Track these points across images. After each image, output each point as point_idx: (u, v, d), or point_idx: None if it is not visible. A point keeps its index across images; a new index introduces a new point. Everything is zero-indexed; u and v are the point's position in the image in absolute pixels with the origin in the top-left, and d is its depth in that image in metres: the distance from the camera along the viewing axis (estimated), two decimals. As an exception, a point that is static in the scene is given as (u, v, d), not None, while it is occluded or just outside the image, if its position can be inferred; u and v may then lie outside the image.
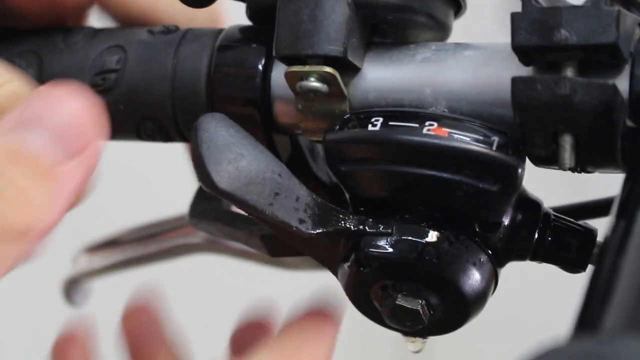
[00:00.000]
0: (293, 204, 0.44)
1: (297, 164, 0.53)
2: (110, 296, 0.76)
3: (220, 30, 0.50)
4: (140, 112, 0.50)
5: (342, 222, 0.45)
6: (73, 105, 0.44)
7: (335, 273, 0.48)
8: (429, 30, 0.48)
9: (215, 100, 0.48)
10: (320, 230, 0.45)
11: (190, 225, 0.55)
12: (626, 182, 0.37)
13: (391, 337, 0.50)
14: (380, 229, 0.45)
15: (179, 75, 0.49)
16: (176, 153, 0.59)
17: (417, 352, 0.49)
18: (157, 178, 0.59)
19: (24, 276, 0.61)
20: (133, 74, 0.50)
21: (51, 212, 0.43)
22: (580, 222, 0.47)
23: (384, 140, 0.43)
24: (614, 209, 0.35)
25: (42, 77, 0.51)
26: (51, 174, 0.43)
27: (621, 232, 0.32)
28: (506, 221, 0.45)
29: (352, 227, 0.45)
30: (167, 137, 0.51)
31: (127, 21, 0.54)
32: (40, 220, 0.43)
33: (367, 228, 0.45)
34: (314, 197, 0.45)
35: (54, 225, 0.44)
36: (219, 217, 0.52)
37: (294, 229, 0.44)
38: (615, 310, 0.29)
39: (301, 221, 0.44)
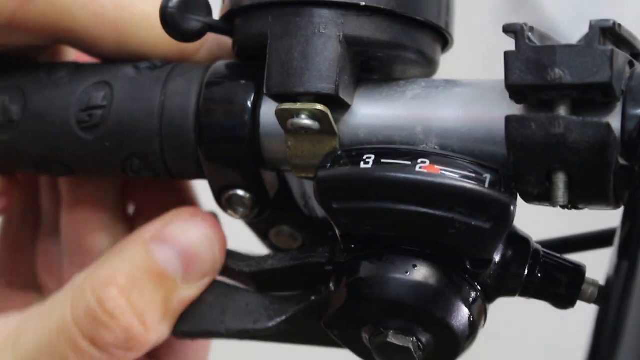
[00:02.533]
0: (243, 311, 0.50)
1: (283, 200, 0.52)
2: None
3: (208, 66, 0.50)
4: (126, 149, 0.49)
5: (304, 297, 0.49)
6: (205, 235, 0.49)
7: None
8: (418, 67, 0.48)
9: (204, 137, 0.48)
10: (278, 320, 0.49)
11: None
12: (625, 220, 0.37)
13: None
14: (370, 267, 0.45)
15: (167, 112, 0.49)
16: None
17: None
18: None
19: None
20: (120, 110, 0.49)
21: (158, 333, 0.49)
22: (568, 258, 0.47)
23: (376, 177, 0.43)
24: (615, 247, 0.35)
25: (26, 112, 0.51)
26: (170, 297, 0.49)
27: (625, 273, 0.32)
28: (497, 258, 0.45)
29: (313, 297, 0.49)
30: (154, 174, 0.50)
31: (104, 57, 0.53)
32: (147, 338, 0.48)
33: (355, 266, 0.45)
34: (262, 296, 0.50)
35: (153, 345, 0.49)
36: None
37: (251, 331, 0.50)
38: (626, 353, 0.29)
39: (255, 321, 0.50)
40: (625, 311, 0.30)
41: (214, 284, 0.50)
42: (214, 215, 0.51)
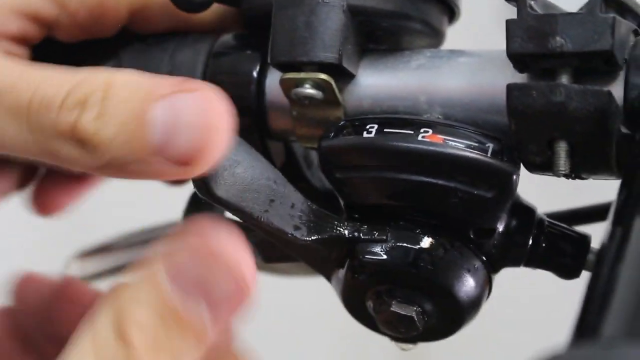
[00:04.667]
0: (288, 210, 0.44)
1: (291, 171, 0.53)
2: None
3: (216, 37, 0.50)
4: None
5: (337, 230, 0.45)
6: (236, 280, 0.42)
7: (329, 279, 0.48)
8: (424, 37, 0.48)
9: None
10: (315, 237, 0.45)
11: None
12: (622, 188, 0.37)
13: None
14: (375, 235, 0.45)
15: None
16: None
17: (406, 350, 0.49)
18: (149, 184, 0.59)
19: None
20: None
21: None
22: (574, 228, 0.47)
23: (378, 147, 0.43)
24: (610, 215, 0.35)
25: None
26: (199, 345, 0.42)
27: (618, 239, 0.32)
28: (501, 227, 0.45)
29: (346, 234, 0.45)
30: None
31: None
32: None
33: (361, 235, 0.45)
34: (309, 204, 0.45)
35: None
36: None
37: (289, 235, 0.44)
38: (614, 318, 0.29)
39: (296, 228, 0.44)
40: (616, 276, 0.30)
41: (269, 172, 0.45)
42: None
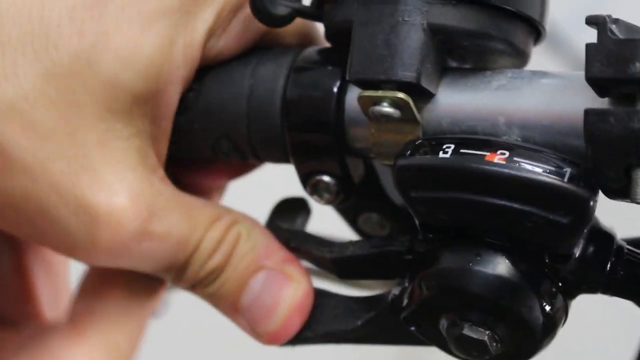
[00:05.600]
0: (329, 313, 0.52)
1: (370, 187, 0.52)
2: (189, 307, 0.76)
3: (299, 51, 0.50)
4: (216, 131, 0.50)
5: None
6: None
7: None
8: (507, 57, 0.47)
9: (290, 122, 0.48)
10: (364, 320, 0.50)
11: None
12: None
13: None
14: (450, 257, 0.45)
15: (255, 95, 0.49)
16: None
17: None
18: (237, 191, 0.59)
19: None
20: (210, 93, 0.50)
21: None
22: None
23: (454, 167, 0.43)
24: None
25: None
26: None
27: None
28: (577, 253, 0.44)
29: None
30: (242, 156, 0.51)
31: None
32: None
33: (436, 255, 0.45)
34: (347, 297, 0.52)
35: None
36: (292, 237, 0.52)
37: (338, 332, 0.51)
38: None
39: (342, 323, 0.51)
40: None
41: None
42: None
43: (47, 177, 0.45)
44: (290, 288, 0.49)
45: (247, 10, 0.49)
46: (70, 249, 0.47)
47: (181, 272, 0.49)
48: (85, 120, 0.45)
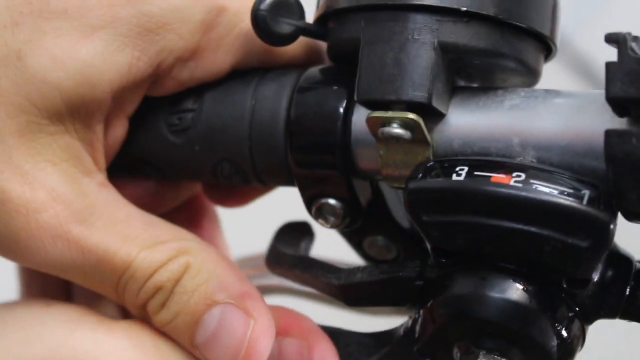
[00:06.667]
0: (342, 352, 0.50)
1: (377, 209, 0.51)
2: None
3: (301, 71, 0.49)
4: (217, 153, 0.49)
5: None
6: None
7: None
8: (518, 75, 0.46)
9: (294, 143, 0.47)
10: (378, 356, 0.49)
11: (267, 268, 0.54)
12: None
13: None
14: (463, 282, 0.43)
15: (257, 117, 0.48)
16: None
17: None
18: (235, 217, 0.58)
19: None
20: (210, 114, 0.49)
21: None
22: None
23: (468, 191, 0.42)
24: None
25: None
26: None
27: None
28: (596, 277, 0.43)
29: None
30: (244, 179, 0.50)
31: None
32: None
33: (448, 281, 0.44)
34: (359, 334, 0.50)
35: None
36: (296, 263, 0.51)
37: None
38: None
39: None
40: None
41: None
42: None
43: None
44: (248, 325, 0.46)
45: (245, 27, 0.48)
46: None
47: (120, 293, 0.47)
48: (5, 107, 0.45)
